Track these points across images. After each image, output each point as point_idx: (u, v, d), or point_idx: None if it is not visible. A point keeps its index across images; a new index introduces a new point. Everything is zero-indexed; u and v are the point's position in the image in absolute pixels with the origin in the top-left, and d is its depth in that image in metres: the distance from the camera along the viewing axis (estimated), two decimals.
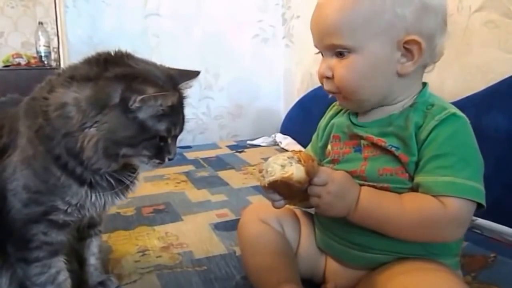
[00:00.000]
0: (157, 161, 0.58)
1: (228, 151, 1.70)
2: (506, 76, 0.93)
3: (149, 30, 1.73)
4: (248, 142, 1.81)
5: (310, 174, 0.53)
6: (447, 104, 0.57)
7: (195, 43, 1.79)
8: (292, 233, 0.68)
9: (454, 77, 1.09)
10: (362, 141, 0.59)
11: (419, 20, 0.54)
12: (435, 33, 0.55)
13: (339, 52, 0.56)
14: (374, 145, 0.57)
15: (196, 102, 1.81)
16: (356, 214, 0.54)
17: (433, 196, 0.51)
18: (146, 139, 0.55)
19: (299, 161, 0.53)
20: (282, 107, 2.00)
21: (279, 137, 1.75)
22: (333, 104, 0.69)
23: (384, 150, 0.56)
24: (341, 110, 0.66)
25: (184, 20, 1.78)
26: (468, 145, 0.54)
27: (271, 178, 0.53)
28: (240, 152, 1.68)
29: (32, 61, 2.58)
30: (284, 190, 0.55)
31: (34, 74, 2.41)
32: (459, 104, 1.03)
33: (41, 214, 0.57)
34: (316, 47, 0.60)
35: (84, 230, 0.69)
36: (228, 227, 0.94)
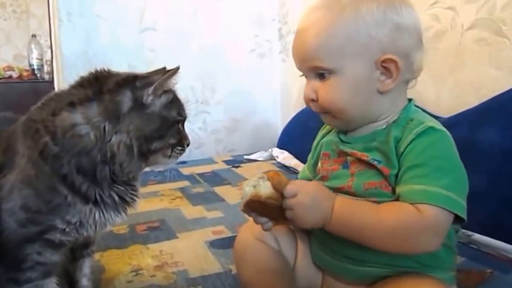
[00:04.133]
0: (180, 148, 0.61)
1: (224, 166, 1.69)
2: (497, 93, 0.95)
3: (145, 45, 1.74)
4: (245, 157, 1.80)
5: (277, 188, 0.55)
6: (427, 118, 0.58)
7: (192, 57, 1.79)
8: (288, 249, 0.68)
9: (448, 93, 1.11)
10: (349, 158, 0.61)
11: (394, 40, 0.56)
12: (411, 51, 0.57)
13: (321, 74, 0.58)
14: (360, 160, 0.59)
15: (192, 117, 1.79)
16: (332, 224, 0.55)
17: (410, 204, 0.52)
18: (169, 127, 0.59)
19: (268, 179, 0.56)
20: (279, 122, 2.00)
21: (276, 151, 1.74)
22: (326, 124, 0.71)
23: (369, 165, 0.58)
24: (332, 129, 0.68)
25: (180, 35, 1.79)
26: (444, 156, 0.54)
27: (244, 200, 0.56)
28: (236, 167, 1.66)
29: (24, 74, 2.57)
30: (263, 210, 0.57)
31: (26, 87, 2.39)
32: (454, 120, 1.05)
33: (37, 233, 0.56)
34: (299, 70, 0.63)
35: (78, 250, 0.68)
36: (224, 244, 0.93)
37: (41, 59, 2.55)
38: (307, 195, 0.55)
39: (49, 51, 2.14)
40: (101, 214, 0.59)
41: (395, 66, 0.56)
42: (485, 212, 0.90)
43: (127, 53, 1.68)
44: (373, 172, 0.57)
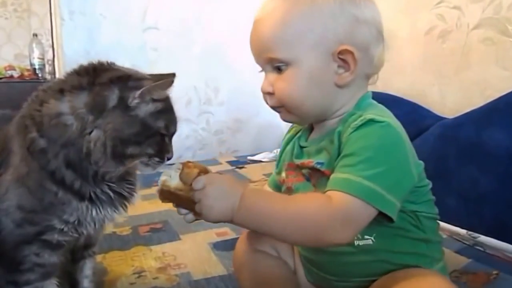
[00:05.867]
0: (157, 159, 0.58)
1: (228, 167, 1.68)
2: (503, 93, 0.94)
3: (148, 44, 1.73)
4: (249, 157, 1.79)
5: (184, 180, 0.53)
6: (374, 111, 0.54)
7: (195, 57, 1.78)
8: (287, 256, 0.67)
9: (453, 93, 1.10)
10: (303, 170, 0.59)
11: (351, 32, 0.54)
12: (370, 44, 0.56)
13: (278, 67, 0.56)
14: (313, 169, 0.57)
15: (196, 118, 1.79)
16: (239, 216, 0.50)
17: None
18: (149, 136, 0.56)
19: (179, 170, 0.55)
20: (283, 123, 1.99)
21: None
22: (291, 126, 0.69)
23: (320, 171, 0.56)
24: (296, 133, 0.66)
25: (183, 34, 1.78)
26: (378, 147, 0.50)
27: (157, 189, 0.56)
28: (240, 168, 1.65)
29: (26, 73, 2.55)
30: (178, 201, 0.56)
31: (28, 87, 2.35)
32: (459, 120, 1.04)
33: (34, 234, 0.56)
34: (257, 63, 0.60)
35: (79, 251, 0.67)
36: (228, 246, 0.92)
37: (43, 59, 2.54)
38: (213, 187, 0.51)
39: (51, 50, 2.14)
40: (98, 211, 0.58)
41: (352, 58, 0.54)
42: (491, 213, 0.89)
43: (130, 52, 1.67)
44: (326, 177, 0.53)
